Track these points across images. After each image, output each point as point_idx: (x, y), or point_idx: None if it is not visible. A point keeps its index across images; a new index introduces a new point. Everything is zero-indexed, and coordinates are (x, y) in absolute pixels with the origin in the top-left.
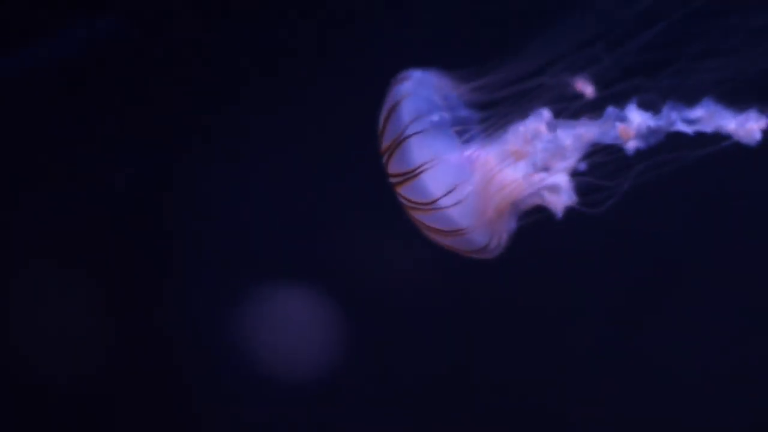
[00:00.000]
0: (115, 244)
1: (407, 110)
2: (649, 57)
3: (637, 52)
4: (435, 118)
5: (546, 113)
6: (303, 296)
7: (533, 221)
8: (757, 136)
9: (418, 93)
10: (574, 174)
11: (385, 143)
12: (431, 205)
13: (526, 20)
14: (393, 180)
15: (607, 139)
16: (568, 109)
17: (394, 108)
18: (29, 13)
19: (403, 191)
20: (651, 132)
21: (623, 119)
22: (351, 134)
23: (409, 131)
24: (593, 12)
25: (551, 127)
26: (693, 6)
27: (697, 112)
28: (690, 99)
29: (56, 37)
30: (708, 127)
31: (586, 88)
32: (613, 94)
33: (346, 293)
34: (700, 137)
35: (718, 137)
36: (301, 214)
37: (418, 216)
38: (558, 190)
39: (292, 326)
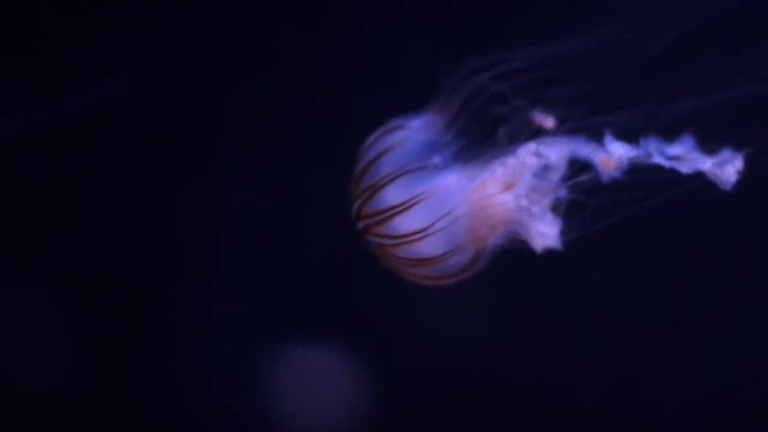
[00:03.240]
0: (124, 305)
1: (394, 157)
2: (630, 90)
3: (618, 84)
4: (423, 161)
5: (532, 146)
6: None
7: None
8: (733, 179)
9: (408, 141)
10: (556, 202)
11: (362, 186)
12: (418, 234)
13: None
14: (369, 221)
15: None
16: (545, 137)
17: (381, 155)
18: (39, 71)
19: (385, 229)
20: (630, 164)
21: (604, 150)
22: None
23: (393, 174)
24: (575, 44)
25: (537, 159)
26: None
27: (676, 149)
28: (669, 134)
29: (67, 94)
30: (685, 168)
31: (546, 120)
32: (593, 125)
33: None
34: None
35: (695, 176)
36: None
37: (398, 252)
38: (539, 221)
39: (311, 383)
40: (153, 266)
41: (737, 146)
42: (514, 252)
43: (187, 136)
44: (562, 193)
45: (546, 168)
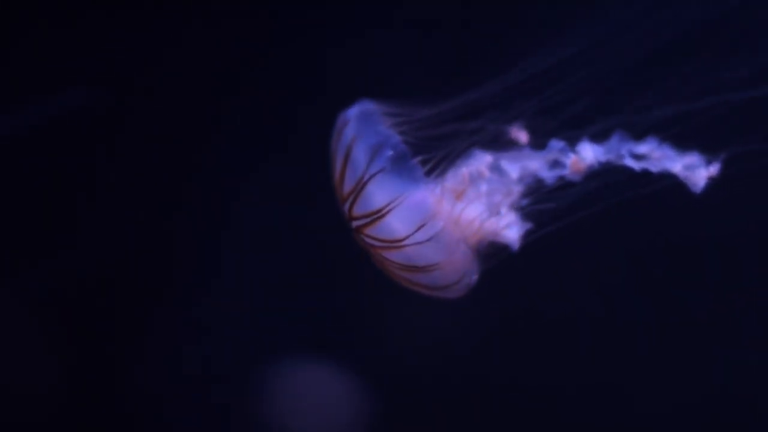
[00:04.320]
0: (124, 305)
1: (361, 150)
2: (606, 94)
3: (590, 87)
4: (391, 151)
5: (487, 156)
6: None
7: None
8: (703, 182)
9: (366, 129)
10: (522, 207)
11: (347, 188)
12: (404, 240)
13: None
14: (359, 222)
15: (553, 172)
16: (510, 143)
17: (348, 152)
18: (36, 70)
19: (372, 231)
20: (600, 165)
21: (573, 152)
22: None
23: (371, 171)
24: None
25: (493, 168)
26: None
27: (645, 148)
28: (640, 136)
29: (24, 107)
30: (655, 167)
31: (520, 135)
32: (565, 125)
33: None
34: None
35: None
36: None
37: (388, 255)
38: (509, 225)
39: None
40: (153, 266)
41: (711, 149)
42: (495, 257)
43: (188, 136)
44: (535, 196)
45: (516, 173)
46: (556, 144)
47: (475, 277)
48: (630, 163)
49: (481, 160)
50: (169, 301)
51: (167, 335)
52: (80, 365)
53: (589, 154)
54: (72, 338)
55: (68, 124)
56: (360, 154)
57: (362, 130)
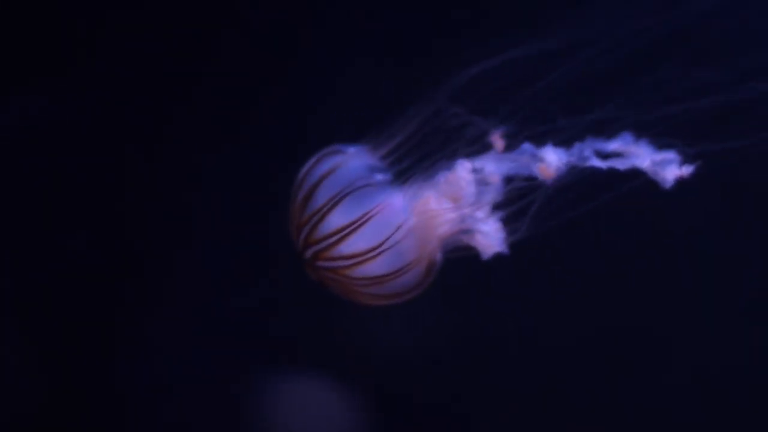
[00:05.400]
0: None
1: (335, 179)
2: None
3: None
4: (366, 180)
5: (466, 163)
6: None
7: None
8: (672, 178)
9: (332, 148)
10: (498, 210)
11: (308, 212)
12: (374, 251)
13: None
14: (319, 246)
15: (525, 172)
16: (485, 147)
17: (318, 182)
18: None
19: (338, 251)
20: (568, 168)
21: (540, 158)
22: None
23: (340, 195)
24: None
25: (467, 175)
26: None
27: (614, 145)
28: (612, 135)
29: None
30: (624, 166)
31: (497, 140)
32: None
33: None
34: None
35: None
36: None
37: (354, 273)
38: (485, 229)
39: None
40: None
41: (685, 148)
42: (464, 262)
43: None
44: (505, 201)
45: (486, 180)
46: (527, 148)
47: (441, 280)
48: (599, 163)
49: (454, 167)
50: (142, 313)
51: (154, 338)
52: (72, 366)
53: (553, 158)
54: (69, 337)
55: (28, 125)
56: (331, 182)
57: (328, 150)
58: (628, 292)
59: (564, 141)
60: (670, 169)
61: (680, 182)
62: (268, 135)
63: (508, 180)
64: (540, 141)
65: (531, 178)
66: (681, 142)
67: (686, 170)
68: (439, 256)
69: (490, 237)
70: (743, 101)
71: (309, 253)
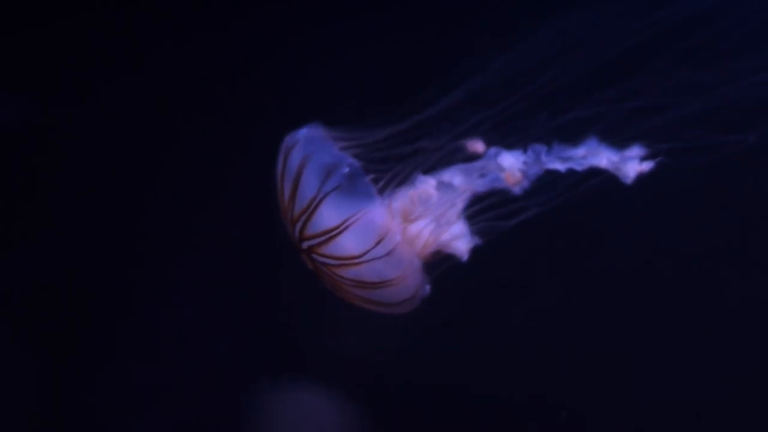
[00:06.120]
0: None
1: (313, 170)
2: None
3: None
4: (344, 170)
5: (437, 171)
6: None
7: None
8: (633, 173)
9: (316, 149)
10: (471, 217)
11: (298, 208)
12: (359, 257)
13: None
14: (311, 242)
15: (495, 183)
16: (463, 156)
17: (299, 172)
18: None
19: (326, 250)
20: (531, 172)
21: (505, 166)
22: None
23: (324, 190)
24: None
25: (442, 183)
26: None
27: (582, 149)
28: (573, 138)
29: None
30: (580, 165)
31: (476, 147)
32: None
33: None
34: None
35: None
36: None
37: (342, 273)
38: (458, 236)
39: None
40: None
41: (645, 144)
42: (444, 266)
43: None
44: (483, 206)
45: (464, 186)
46: (493, 153)
47: (427, 290)
48: (559, 166)
49: (432, 176)
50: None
51: (144, 340)
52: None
53: (513, 163)
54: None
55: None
56: (311, 174)
57: (312, 151)
58: (610, 293)
59: (536, 143)
60: (632, 165)
61: (661, 182)
62: (265, 133)
63: (478, 186)
64: (513, 146)
65: (500, 186)
66: (658, 141)
67: (647, 165)
68: (421, 266)
69: (461, 238)
70: (730, 101)
71: (305, 245)
